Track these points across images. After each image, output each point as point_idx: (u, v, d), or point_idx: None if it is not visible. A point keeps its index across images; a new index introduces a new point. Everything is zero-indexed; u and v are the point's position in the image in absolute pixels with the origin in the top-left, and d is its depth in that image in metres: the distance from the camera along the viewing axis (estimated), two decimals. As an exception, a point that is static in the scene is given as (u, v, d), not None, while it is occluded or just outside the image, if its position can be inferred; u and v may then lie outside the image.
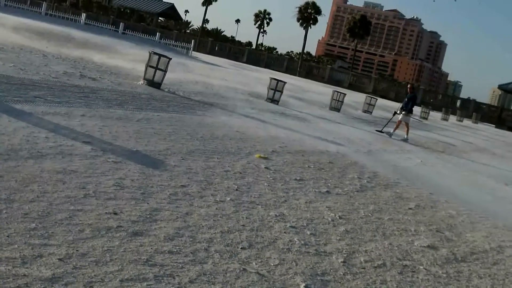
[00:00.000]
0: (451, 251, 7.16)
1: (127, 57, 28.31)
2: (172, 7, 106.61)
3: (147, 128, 10.45)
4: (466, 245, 7.68)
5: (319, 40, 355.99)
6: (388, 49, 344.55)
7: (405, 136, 20.70)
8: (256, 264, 5.11)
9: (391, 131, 20.98)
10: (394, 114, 21.58)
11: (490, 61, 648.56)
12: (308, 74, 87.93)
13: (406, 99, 21.61)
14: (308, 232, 6.46)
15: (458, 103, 76.93)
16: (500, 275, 6.71)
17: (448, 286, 5.84)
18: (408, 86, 23.47)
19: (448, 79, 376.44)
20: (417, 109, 44.39)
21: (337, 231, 6.80)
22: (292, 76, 74.10)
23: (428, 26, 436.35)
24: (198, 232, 5.54)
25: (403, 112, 21.10)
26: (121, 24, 61.87)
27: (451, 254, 7.06)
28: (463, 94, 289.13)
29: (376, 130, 21.56)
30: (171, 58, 18.51)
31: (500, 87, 79.68)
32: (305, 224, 6.75)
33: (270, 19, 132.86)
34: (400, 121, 21.15)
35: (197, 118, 13.48)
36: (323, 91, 43.16)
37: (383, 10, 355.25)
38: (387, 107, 43.88)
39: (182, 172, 7.76)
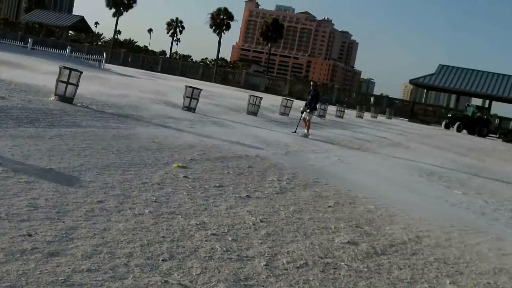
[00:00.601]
0: (371, 245, 7.31)
1: (37, 73, 27.62)
2: (82, 20, 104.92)
3: (61, 145, 10.19)
4: (385, 238, 7.85)
5: (233, 45, 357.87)
6: (302, 51, 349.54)
7: (306, 132, 21.04)
8: (178, 275, 5.06)
9: (305, 131, 21.30)
10: (302, 113, 21.99)
11: (401, 57, 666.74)
12: (224, 80, 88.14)
13: (309, 97, 22.06)
14: (230, 238, 6.45)
15: (372, 100, 78.80)
16: (419, 264, 6.89)
17: (370, 280, 5.95)
18: (311, 84, 23.90)
19: (361, 77, 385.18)
20: (331, 108, 45.21)
21: (259, 235, 6.82)
22: (208, 83, 74.15)
23: (339, 26, 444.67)
24: (117, 248, 5.44)
25: (307, 110, 21.56)
26: (30, 40, 60.41)
27: (371, 248, 7.20)
28: (376, 91, 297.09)
29: (292, 132, 21.82)
30: (82, 72, 18.16)
31: (411, 81, 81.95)
32: (226, 231, 6.74)
33: (183, 27, 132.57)
34: (305, 119, 21.58)
35: (112, 131, 13.26)
36: (239, 96, 43.32)
37: (295, 12, 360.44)
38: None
39: (98, 187, 7.61)
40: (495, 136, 61.15)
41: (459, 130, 58.25)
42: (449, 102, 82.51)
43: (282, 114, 31.66)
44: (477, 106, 64.41)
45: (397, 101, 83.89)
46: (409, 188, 13.28)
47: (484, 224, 10.47)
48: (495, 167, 24.05)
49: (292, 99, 35.73)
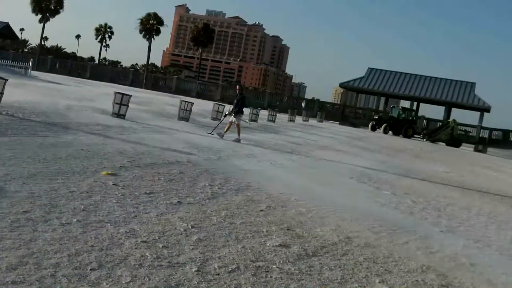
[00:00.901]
0: (302, 247, 7.37)
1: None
2: (7, 26, 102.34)
3: (-15, 155, 9.90)
4: (316, 240, 7.93)
5: (164, 50, 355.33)
6: (233, 56, 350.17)
7: (237, 137, 21.12)
8: (106, 284, 4.98)
9: (222, 132, 21.37)
10: (225, 116, 22.10)
11: (332, 61, 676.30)
12: (154, 85, 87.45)
13: (235, 101, 22.17)
14: (161, 245, 6.39)
15: (303, 103, 79.52)
16: (349, 265, 6.99)
17: (301, 281, 5.99)
18: (237, 87, 23.88)
19: (293, 81, 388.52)
20: (263, 112, 45.43)
21: (190, 241, 6.78)
22: (138, 89, 73.43)
23: (270, 31, 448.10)
24: (44, 258, 5.31)
25: (232, 114, 21.68)
26: (-49, 47, 58.47)
27: (303, 250, 7.26)
28: (308, 95, 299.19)
29: (207, 133, 21.82)
30: (7, 79, 17.71)
31: (341, 85, 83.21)
32: (157, 238, 6.67)
33: (112, 33, 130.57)
34: (231, 122, 21.68)
35: (39, 140, 12.96)
36: (170, 102, 43.07)
37: (226, 17, 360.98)
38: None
39: (24, 197, 7.42)
40: (419, 136, 62.74)
41: (385, 131, 59.51)
42: (378, 104, 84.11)
43: (214, 119, 31.59)
44: (403, 108, 65.88)
45: (328, 105, 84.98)
46: (340, 190, 13.46)
47: (412, 223, 10.71)
48: (423, 168, 24.64)
49: (224, 104, 35.73)
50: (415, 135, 62.02)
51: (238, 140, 20.83)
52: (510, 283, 7.64)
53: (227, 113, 22.21)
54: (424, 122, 71.29)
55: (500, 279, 7.70)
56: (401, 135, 59.74)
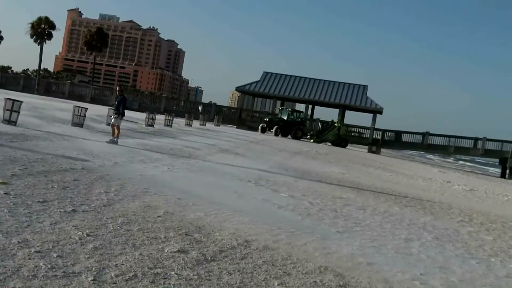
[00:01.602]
0: (201, 252, 7.31)
1: None
2: None
3: None
4: (215, 244, 7.89)
5: (56, 55, 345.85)
6: (128, 60, 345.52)
7: (115, 139, 20.84)
8: (-4, 298, 4.75)
9: (113, 138, 21.00)
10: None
11: (228, 65, 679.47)
12: (47, 91, 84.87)
13: (116, 102, 21.91)
14: (55, 255, 6.18)
15: (200, 108, 79.30)
16: (248, 268, 6.99)
17: (200, 287, 5.94)
18: (117, 89, 23.52)
19: (190, 85, 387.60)
20: (160, 117, 45.01)
21: (86, 249, 6.59)
22: (30, 94, 71.03)
23: (165, 35, 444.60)
24: None
25: (114, 116, 21.41)
26: None
27: (201, 255, 7.20)
28: (205, 99, 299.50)
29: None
30: None
31: (238, 89, 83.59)
32: (51, 247, 6.45)
33: (1, 37, 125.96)
34: (113, 125, 21.38)
35: None
36: (64, 107, 41.94)
37: (120, 21, 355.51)
38: (131, 118, 43.90)
39: None
40: (308, 137, 64.12)
41: (276, 134, 60.34)
42: (274, 108, 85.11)
43: (109, 124, 31.01)
44: (292, 110, 67.06)
45: (225, 109, 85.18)
46: (238, 194, 13.48)
47: (310, 225, 10.87)
48: (320, 169, 25.12)
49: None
50: (304, 137, 63.35)
51: (115, 142, 20.50)
52: (406, 281, 7.87)
53: (112, 116, 21.83)
54: (319, 124, 72.69)
55: (396, 278, 7.92)
56: (289, 137, 60.83)
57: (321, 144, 59.97)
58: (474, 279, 8.73)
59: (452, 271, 8.98)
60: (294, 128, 61.69)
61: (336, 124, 65.64)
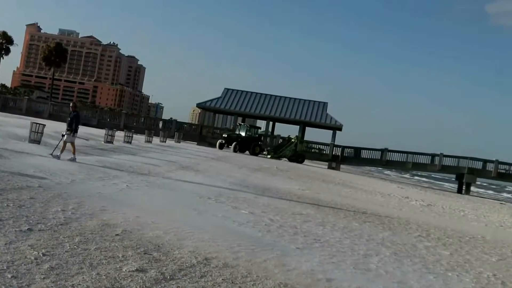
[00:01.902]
0: (159, 271, 7.24)
1: None
2: None
3: None
4: (174, 263, 7.82)
5: (14, 70, 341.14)
6: (87, 76, 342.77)
7: (73, 156, 20.60)
8: None
9: (59, 153, 20.71)
10: (62, 136, 21.47)
11: (189, 81, 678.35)
12: (4, 107, 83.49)
13: (69, 119, 21.70)
14: (9, 275, 6.06)
15: (161, 124, 78.93)
16: (208, 286, 6.97)
17: (158, 307, 5.88)
18: (71, 104, 23.23)
19: (150, 101, 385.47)
20: (119, 134, 44.62)
21: (42, 269, 6.48)
22: (-14, 110, 69.92)
23: (125, 50, 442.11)
24: None
25: (67, 133, 21.18)
26: None
27: (160, 274, 7.14)
28: (166, 115, 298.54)
29: (49, 154, 21.01)
30: None
31: (198, 105, 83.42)
32: (5, 268, 6.32)
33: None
34: (66, 142, 21.14)
35: None
36: (21, 124, 41.29)
37: (79, 37, 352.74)
38: (91, 134, 43.50)
39: None
40: (265, 153, 64.18)
41: (235, 150, 60.19)
42: (235, 124, 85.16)
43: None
44: (250, 126, 67.08)
45: (186, 125, 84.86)
46: (198, 211, 13.41)
47: (270, 242, 10.86)
48: (280, 186, 25.17)
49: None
50: (262, 152, 63.46)
51: (73, 160, 20.25)
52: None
53: (63, 133, 21.50)
54: (280, 140, 72.89)
55: (354, 293, 7.95)
56: (247, 152, 60.93)
57: (279, 160, 60.14)
58: (432, 294, 8.80)
59: (410, 286, 9.06)
60: (252, 144, 61.78)
61: (293, 140, 65.94)
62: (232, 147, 60.61)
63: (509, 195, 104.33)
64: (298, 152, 64.92)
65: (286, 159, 63.54)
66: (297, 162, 62.46)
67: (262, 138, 68.69)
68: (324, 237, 12.59)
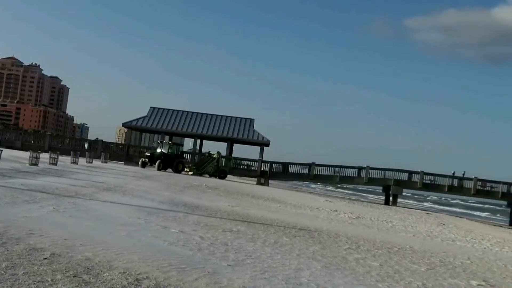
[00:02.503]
0: (90, 294, 7.14)
1: None
2: None
3: None
4: (104, 285, 7.73)
5: None
6: (10, 98, 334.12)
7: None
8: None
9: None
10: None
11: (114, 101, 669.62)
12: None
13: None
14: None
15: (86, 145, 77.77)
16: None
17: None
18: None
19: (75, 122, 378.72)
20: (44, 156, 43.70)
21: (-33, 298, 6.29)
22: None
23: (48, 71, 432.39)
24: None
25: None
26: None
27: (91, 297, 7.04)
28: (91, 135, 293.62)
29: None
30: None
31: (124, 125, 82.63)
32: None
33: None
34: None
35: None
36: None
37: (0, 58, 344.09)
38: (15, 157, 42.49)
39: None
40: (187, 170, 63.75)
41: (159, 168, 59.38)
42: (157, 142, 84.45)
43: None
44: (173, 143, 66.62)
45: (112, 145, 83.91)
46: (127, 231, 13.26)
47: (201, 260, 10.85)
48: (210, 203, 25.16)
49: (2, 148, 33.88)
50: (185, 170, 63.04)
51: None
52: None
53: None
54: (202, 156, 72.86)
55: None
56: (169, 170, 60.30)
57: (202, 176, 60.03)
58: (362, 305, 8.98)
59: (341, 298, 9.21)
60: (175, 162, 61.14)
61: (214, 156, 66.03)
62: (156, 165, 59.74)
63: (431, 204, 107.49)
64: (220, 168, 65.05)
65: (208, 175, 63.43)
66: (219, 178, 62.44)
67: (185, 155, 68.46)
68: (255, 253, 12.67)
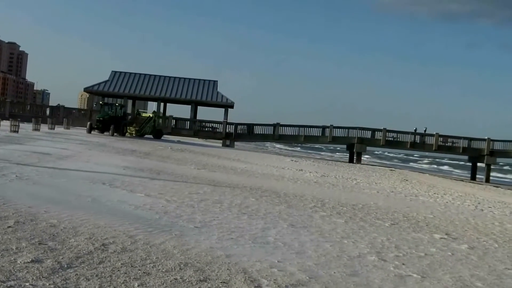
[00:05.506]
0: (56, 260, 7.10)
1: None
2: None
3: None
4: (70, 251, 7.68)
5: None
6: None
7: None
8: None
9: None
10: None
11: (75, 66, 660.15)
12: None
13: None
14: None
15: (48, 111, 76.59)
16: (106, 272, 6.88)
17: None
18: None
19: (35, 88, 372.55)
20: (5, 123, 42.99)
21: None
22: None
23: (5, 37, 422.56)
24: None
25: None
26: None
27: (57, 263, 6.99)
28: (53, 102, 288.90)
29: None
30: None
31: (86, 89, 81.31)
32: None
33: None
34: None
35: None
36: None
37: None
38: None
39: None
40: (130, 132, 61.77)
41: (113, 133, 56.07)
42: (99, 104, 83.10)
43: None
44: (118, 104, 65.00)
45: (75, 111, 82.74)
46: (92, 197, 13.17)
47: (168, 223, 10.84)
48: (175, 168, 25.09)
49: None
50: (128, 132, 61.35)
51: None
52: (264, 269, 8.04)
53: None
54: (173, 121, 72.42)
55: (255, 267, 8.09)
56: (115, 134, 56.60)
57: (143, 137, 59.17)
58: (329, 261, 9.09)
59: (308, 256, 9.31)
60: (122, 124, 58.83)
61: (151, 116, 65.80)
62: (111, 130, 56.21)
63: (396, 162, 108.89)
64: (157, 128, 64.88)
65: (150, 136, 62.62)
66: (155, 137, 62.02)
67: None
68: (222, 214, 12.71)
